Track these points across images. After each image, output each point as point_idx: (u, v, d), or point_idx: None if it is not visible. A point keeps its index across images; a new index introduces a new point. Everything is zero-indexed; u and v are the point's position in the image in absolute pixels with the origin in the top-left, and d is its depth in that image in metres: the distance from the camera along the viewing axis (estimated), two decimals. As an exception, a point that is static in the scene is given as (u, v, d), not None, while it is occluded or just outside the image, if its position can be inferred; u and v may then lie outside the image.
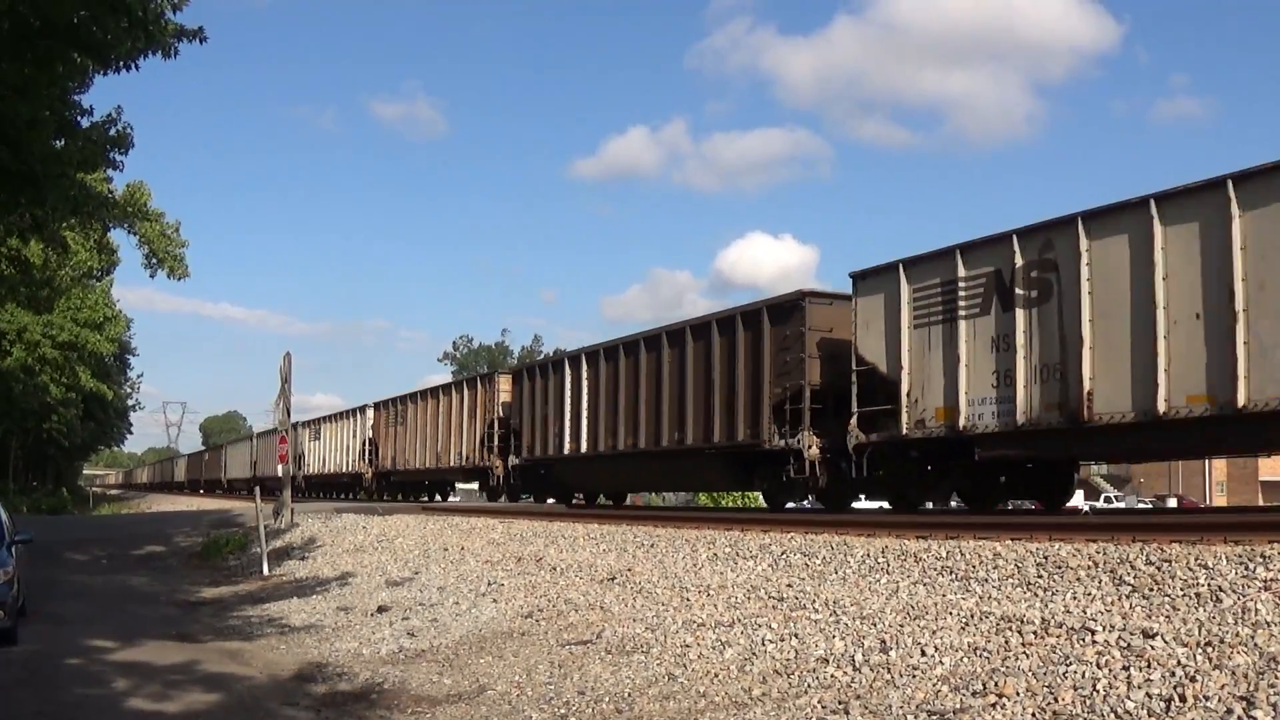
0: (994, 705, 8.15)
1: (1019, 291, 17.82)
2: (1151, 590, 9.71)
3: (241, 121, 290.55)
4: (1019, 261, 17.81)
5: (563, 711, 10.35)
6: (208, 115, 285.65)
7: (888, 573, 12.70)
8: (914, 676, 9.23)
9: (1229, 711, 7.08)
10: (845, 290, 21.63)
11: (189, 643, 15.41)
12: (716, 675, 10.69)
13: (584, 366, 31.32)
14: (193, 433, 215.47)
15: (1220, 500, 78.51)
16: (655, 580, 15.08)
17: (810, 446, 21.95)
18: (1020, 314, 17.76)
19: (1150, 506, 56.26)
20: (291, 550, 26.95)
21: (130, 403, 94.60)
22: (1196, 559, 10.06)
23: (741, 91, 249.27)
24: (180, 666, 13.09)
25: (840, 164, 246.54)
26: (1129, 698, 7.62)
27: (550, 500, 35.98)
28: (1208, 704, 7.23)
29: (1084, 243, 16.81)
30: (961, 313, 18.75)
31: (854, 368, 20.82)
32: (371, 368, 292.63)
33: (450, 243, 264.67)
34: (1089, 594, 10.14)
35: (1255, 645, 7.88)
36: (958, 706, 8.33)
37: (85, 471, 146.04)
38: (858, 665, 9.89)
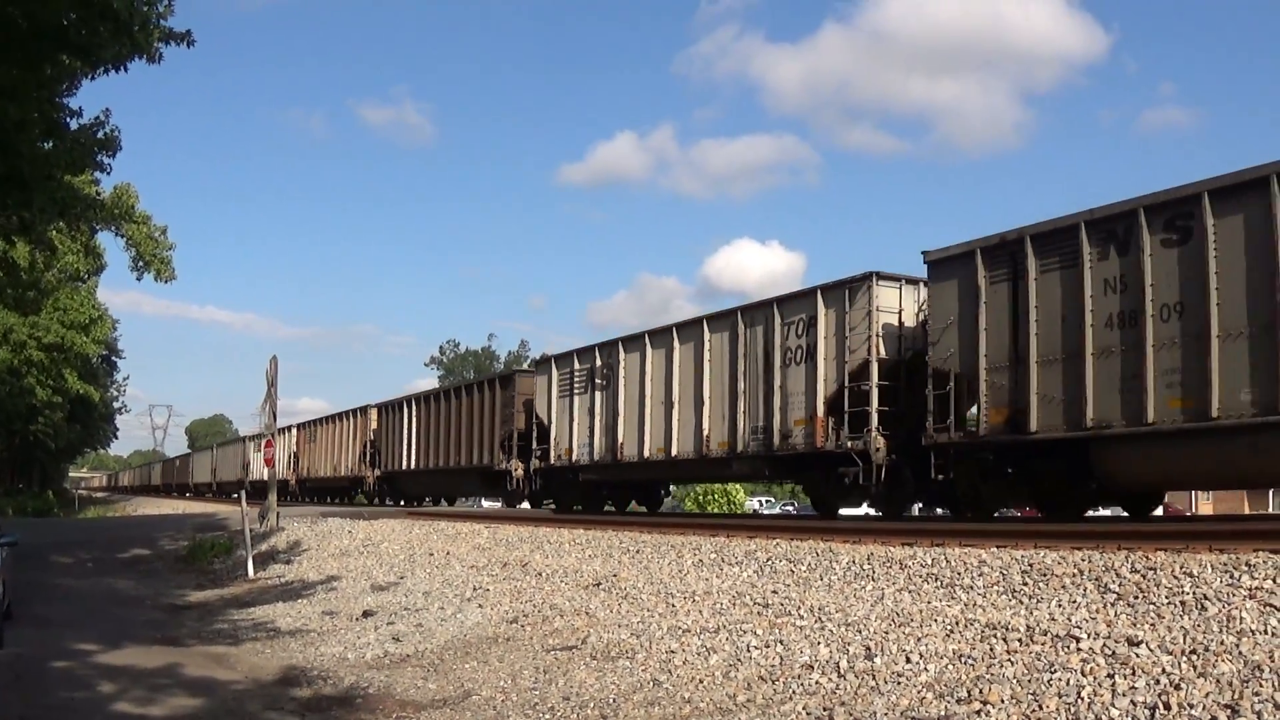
0: (978, 712, 8.16)
1: (598, 381, 30.61)
2: (1137, 598, 9.73)
3: (229, 125, 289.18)
4: (599, 363, 30.44)
5: (547, 717, 10.34)
6: (195, 118, 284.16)
7: (873, 579, 12.71)
8: (899, 683, 9.24)
9: (1213, 720, 7.10)
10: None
11: (174, 646, 15.36)
12: (701, 681, 10.68)
13: (415, 406, 44.68)
14: (179, 436, 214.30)
15: (1206, 508, 78.60)
16: (641, 586, 15.09)
17: (517, 468, 35.34)
18: (599, 395, 30.52)
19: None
20: (277, 554, 26.90)
21: (116, 405, 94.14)
22: (1181, 567, 10.09)
23: (729, 98, 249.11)
24: (165, 670, 13.05)
25: (828, 171, 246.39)
26: (1114, 705, 7.63)
27: (401, 503, 47.18)
28: (1192, 712, 7.24)
29: (622, 355, 29.35)
30: (576, 391, 31.78)
31: (534, 420, 34.39)
32: (359, 372, 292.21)
33: (438, 248, 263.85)
34: (1074, 601, 10.16)
35: (1240, 653, 7.90)
36: (942, 713, 8.34)
37: (71, 474, 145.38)
38: (842, 672, 9.90)
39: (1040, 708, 7.94)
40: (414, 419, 44.51)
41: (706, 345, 25.83)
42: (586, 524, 22.40)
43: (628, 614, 13.85)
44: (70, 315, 51.86)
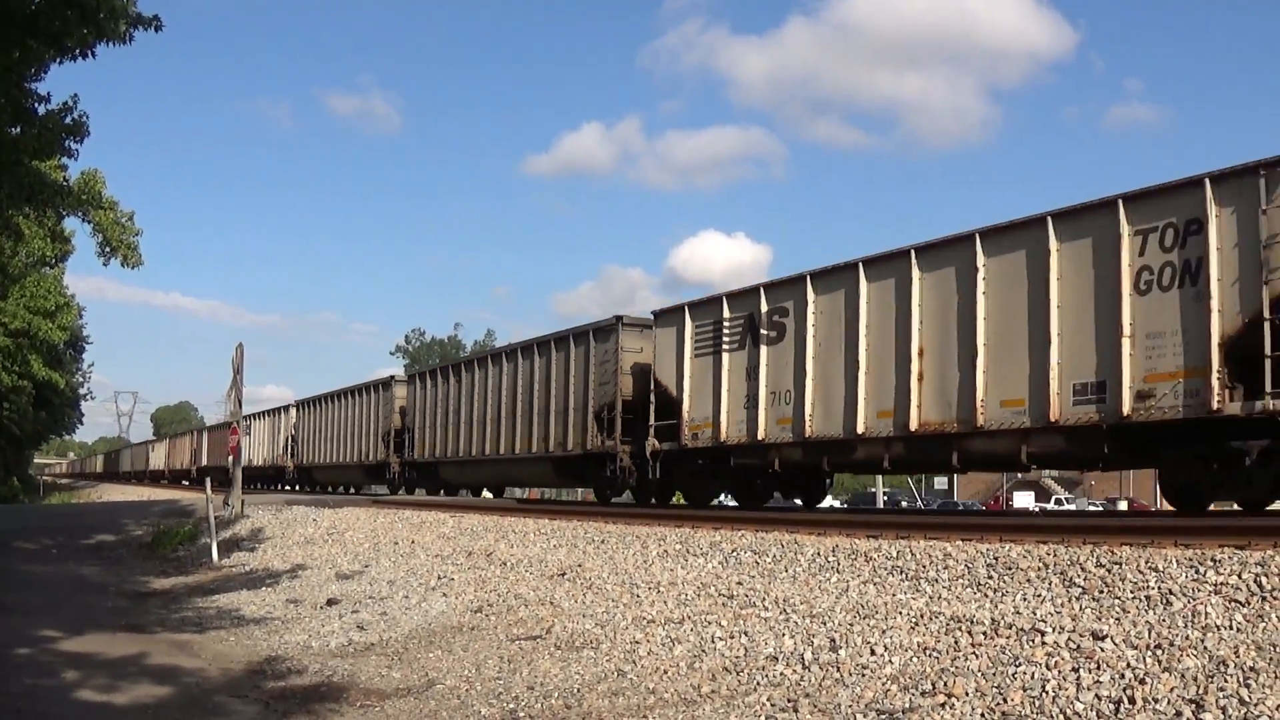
0: (943, 705, 8.15)
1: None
2: (1102, 592, 9.74)
3: (196, 113, 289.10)
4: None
5: (511, 706, 10.29)
6: (162, 106, 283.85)
7: (838, 571, 12.70)
8: (863, 675, 9.23)
9: (1178, 714, 7.10)
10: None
11: (139, 634, 15.26)
12: (666, 672, 10.66)
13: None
14: (144, 423, 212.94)
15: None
16: (605, 576, 15.05)
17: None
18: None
19: (1101, 509, 56.71)
20: (241, 542, 26.77)
21: (82, 392, 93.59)
22: (1147, 562, 10.10)
23: (695, 90, 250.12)
24: (130, 658, 12.95)
25: (794, 163, 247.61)
26: (1078, 699, 7.64)
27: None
28: (1157, 706, 7.25)
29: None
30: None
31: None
32: (324, 361, 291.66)
33: (403, 237, 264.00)
34: (1039, 595, 10.17)
35: (1205, 648, 7.91)
36: (907, 706, 8.33)
37: (36, 460, 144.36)
38: (807, 664, 9.89)
39: (1005, 701, 7.94)
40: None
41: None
42: (551, 514, 22.33)
43: (592, 604, 13.82)
44: (37, 301, 51.54)
